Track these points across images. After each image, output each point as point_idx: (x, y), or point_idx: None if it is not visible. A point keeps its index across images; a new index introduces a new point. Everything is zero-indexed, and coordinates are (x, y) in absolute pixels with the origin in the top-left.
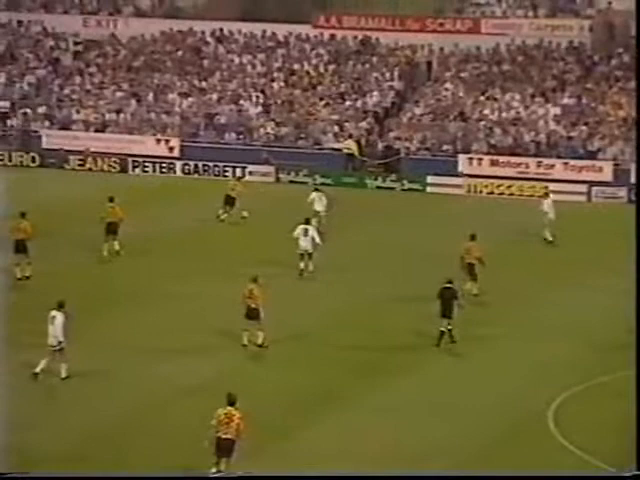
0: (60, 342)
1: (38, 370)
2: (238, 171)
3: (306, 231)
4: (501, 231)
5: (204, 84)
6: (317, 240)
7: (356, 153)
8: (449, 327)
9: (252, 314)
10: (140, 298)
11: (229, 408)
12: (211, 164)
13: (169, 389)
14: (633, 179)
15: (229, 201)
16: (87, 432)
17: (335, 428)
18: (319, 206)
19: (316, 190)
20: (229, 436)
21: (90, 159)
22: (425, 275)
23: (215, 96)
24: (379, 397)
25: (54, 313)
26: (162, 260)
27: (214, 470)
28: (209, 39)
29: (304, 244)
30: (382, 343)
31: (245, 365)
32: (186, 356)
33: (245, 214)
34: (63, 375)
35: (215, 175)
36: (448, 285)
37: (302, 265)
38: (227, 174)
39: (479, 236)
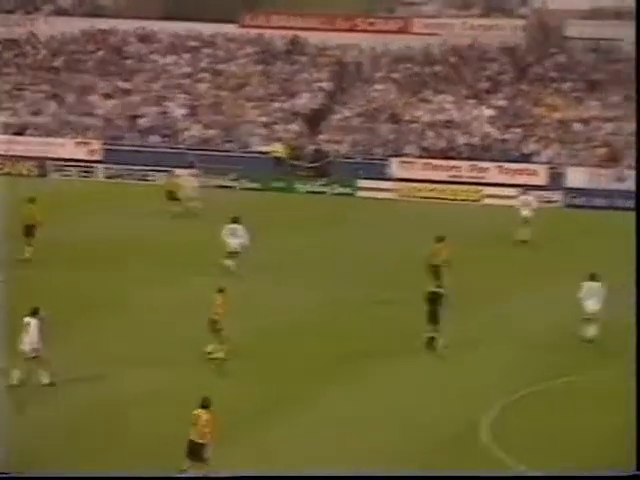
0: (36, 349)
1: (15, 381)
2: (163, 175)
3: (234, 230)
4: (436, 234)
5: (127, 85)
6: (246, 240)
7: (285, 156)
8: (436, 334)
9: (212, 327)
10: (75, 306)
11: (199, 410)
12: (135, 168)
13: (124, 397)
14: (569, 182)
15: (171, 196)
16: (49, 437)
17: (287, 434)
18: (193, 192)
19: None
20: (194, 438)
21: (8, 163)
22: (356, 280)
23: (139, 97)
24: (326, 404)
25: (28, 320)
26: (89, 267)
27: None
28: (132, 38)
29: (233, 244)
30: (322, 349)
31: (194, 374)
32: (136, 366)
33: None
34: (45, 381)
35: (139, 179)
36: (436, 290)
37: (229, 264)
38: (151, 178)
39: (410, 240)
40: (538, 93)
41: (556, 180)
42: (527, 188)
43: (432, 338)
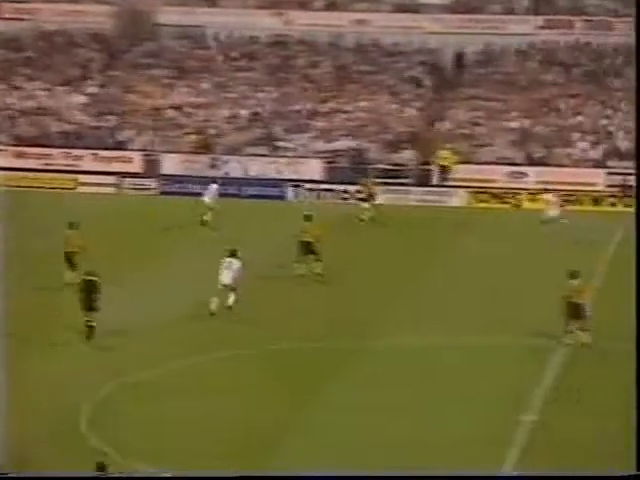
0: None
1: None
2: None
3: None
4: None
5: None
6: None
7: None
8: (94, 322)
9: None
10: None
11: None
12: None
13: None
14: (163, 170)
15: None
16: None
17: None
18: None
19: None
20: None
21: None
22: None
23: None
24: None
25: None
26: None
27: None
28: None
29: None
30: None
31: None
32: None
33: None
34: None
35: None
36: (89, 278)
37: None
38: None
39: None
40: (130, 80)
41: (151, 167)
42: (123, 175)
43: (91, 327)
